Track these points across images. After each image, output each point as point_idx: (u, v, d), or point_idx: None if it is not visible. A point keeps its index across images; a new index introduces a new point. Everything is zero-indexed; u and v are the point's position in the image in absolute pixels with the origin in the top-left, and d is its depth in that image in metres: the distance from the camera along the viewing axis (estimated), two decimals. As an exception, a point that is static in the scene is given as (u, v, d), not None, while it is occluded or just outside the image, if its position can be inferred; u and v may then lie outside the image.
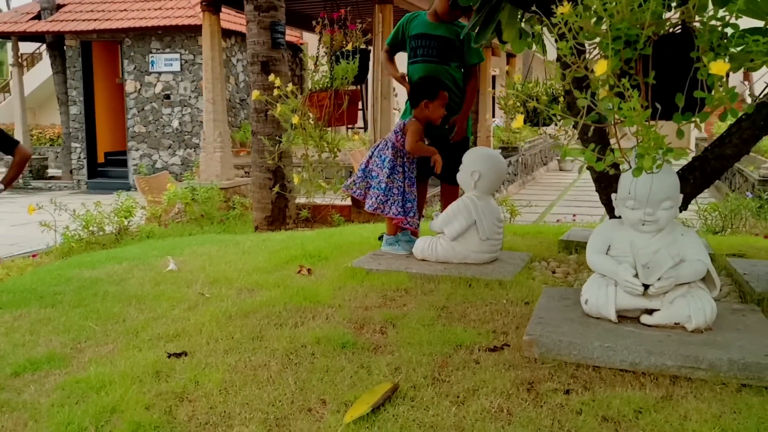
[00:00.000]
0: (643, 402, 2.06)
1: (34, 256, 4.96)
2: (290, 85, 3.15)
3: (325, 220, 6.88)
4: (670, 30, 1.84)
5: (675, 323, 2.48)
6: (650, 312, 2.53)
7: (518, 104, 5.02)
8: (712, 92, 1.74)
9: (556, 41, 1.87)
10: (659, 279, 2.47)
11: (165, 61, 16.01)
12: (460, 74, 4.14)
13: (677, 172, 3.31)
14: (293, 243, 4.21)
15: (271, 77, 3.16)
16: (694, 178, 3.33)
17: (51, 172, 18.35)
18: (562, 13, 1.78)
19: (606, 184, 3.41)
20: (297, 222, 6.42)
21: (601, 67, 1.82)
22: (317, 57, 3.65)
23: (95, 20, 16.04)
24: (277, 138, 4.23)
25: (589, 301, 2.61)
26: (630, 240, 2.58)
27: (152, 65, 16.07)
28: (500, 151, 10.39)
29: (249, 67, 6.10)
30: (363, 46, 3.86)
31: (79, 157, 16.91)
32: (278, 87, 3.08)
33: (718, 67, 1.63)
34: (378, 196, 3.84)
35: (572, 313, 2.67)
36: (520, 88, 5.28)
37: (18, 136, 17.14)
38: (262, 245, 4.25)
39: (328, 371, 2.28)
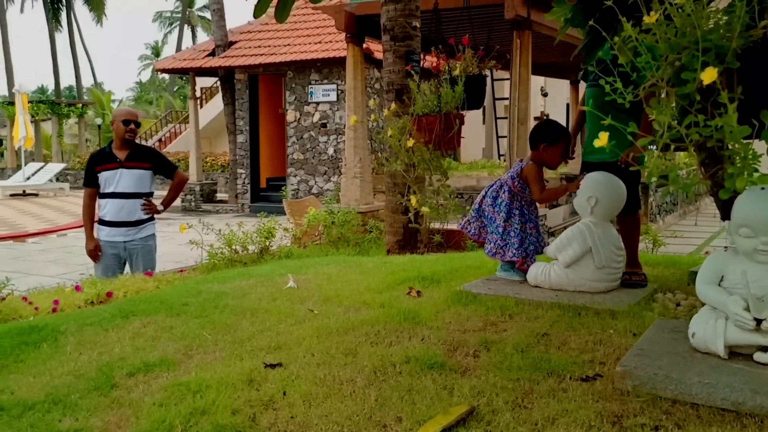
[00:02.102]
0: (738, 445, 1.90)
1: (181, 271, 5.38)
2: (387, 110, 3.23)
3: (459, 246, 6.88)
4: (752, 43, 1.71)
5: (793, 363, 2.26)
6: (766, 349, 2.32)
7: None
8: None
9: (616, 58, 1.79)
10: (773, 313, 2.26)
11: (323, 92, 16.84)
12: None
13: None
14: (412, 265, 4.27)
15: (372, 103, 3.27)
16: None
17: (219, 196, 19.77)
18: (644, 23, 1.71)
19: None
20: (429, 247, 6.47)
21: (709, 75, 1.68)
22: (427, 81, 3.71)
23: (261, 55, 17.24)
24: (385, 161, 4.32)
25: (697, 334, 2.44)
26: (743, 271, 2.39)
27: (311, 96, 16.96)
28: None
29: (384, 95, 6.30)
30: (477, 72, 3.86)
31: (244, 183, 18.13)
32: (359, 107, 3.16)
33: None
34: (496, 241, 3.83)
35: (679, 346, 2.50)
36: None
37: (191, 163, 18.69)
38: (382, 267, 4.35)
39: (410, 390, 2.30)
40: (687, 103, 1.71)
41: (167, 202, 5.64)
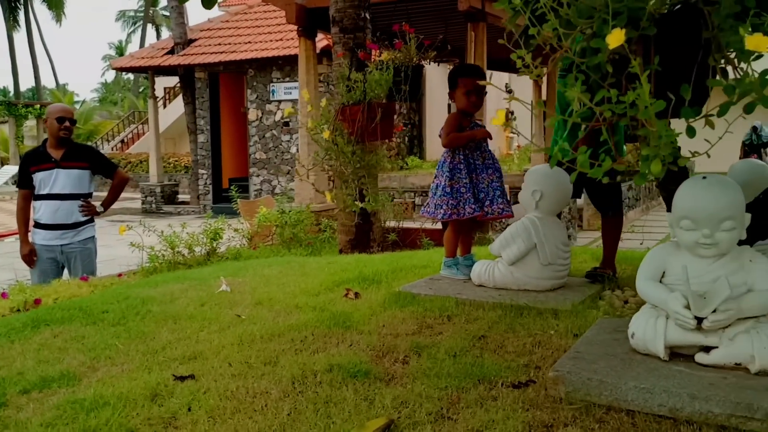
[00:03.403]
0: (674, 456, 1.74)
1: (120, 275, 5.13)
2: (324, 100, 3.05)
3: (415, 244, 6.71)
4: (671, 7, 1.53)
5: (736, 364, 2.12)
6: (708, 350, 2.18)
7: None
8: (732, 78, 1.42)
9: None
10: (715, 311, 2.12)
11: (284, 90, 16.58)
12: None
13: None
14: (355, 266, 4.08)
15: (305, 94, 3.09)
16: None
17: (181, 197, 19.39)
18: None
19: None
20: (383, 246, 6.28)
21: (616, 38, 1.49)
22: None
23: (222, 53, 16.91)
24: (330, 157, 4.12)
25: (636, 334, 2.29)
26: (684, 266, 2.24)
27: (273, 94, 16.68)
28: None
29: (335, 89, 6.09)
30: (414, 62, 3.69)
31: (206, 183, 17.80)
32: (310, 103, 3.00)
33: (757, 41, 1.29)
34: (448, 202, 3.56)
35: (618, 348, 2.35)
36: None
37: (152, 164, 18.30)
38: (325, 267, 4.15)
39: (328, 402, 2.12)
40: (599, 76, 1.53)
41: (107, 203, 5.40)
